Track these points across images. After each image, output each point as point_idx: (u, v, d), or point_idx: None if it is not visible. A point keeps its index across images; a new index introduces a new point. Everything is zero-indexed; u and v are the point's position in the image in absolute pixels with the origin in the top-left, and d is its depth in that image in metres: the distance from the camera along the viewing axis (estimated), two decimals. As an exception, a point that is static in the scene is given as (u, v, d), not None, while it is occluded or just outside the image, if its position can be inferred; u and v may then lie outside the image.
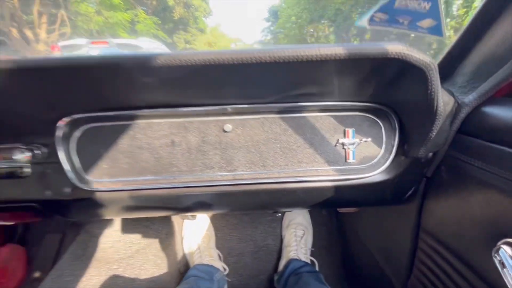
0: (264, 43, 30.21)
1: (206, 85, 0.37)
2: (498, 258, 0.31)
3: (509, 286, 0.28)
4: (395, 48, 0.29)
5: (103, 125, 0.42)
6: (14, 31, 13.82)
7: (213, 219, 1.00)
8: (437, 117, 0.34)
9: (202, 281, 0.73)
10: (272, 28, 26.52)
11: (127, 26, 16.36)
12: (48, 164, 0.45)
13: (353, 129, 0.44)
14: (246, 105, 0.42)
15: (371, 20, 0.45)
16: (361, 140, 0.45)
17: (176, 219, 0.99)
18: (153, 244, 0.90)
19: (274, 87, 0.38)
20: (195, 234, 0.92)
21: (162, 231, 0.94)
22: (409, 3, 0.41)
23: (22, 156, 0.43)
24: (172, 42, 21.22)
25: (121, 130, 0.42)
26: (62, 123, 0.41)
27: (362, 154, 0.45)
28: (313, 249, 0.93)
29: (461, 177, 0.39)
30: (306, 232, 0.93)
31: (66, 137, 0.42)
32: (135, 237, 0.90)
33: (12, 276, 0.84)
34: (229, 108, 0.42)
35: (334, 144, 0.45)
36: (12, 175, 0.46)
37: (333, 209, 0.90)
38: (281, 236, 0.98)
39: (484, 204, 0.35)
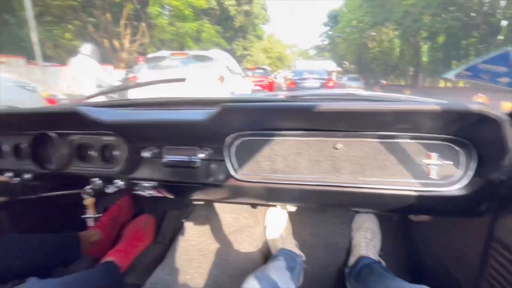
0: (320, 48, 29.78)
1: (329, 120, 0.57)
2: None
3: None
4: (477, 106, 0.43)
5: (254, 139, 0.65)
6: (106, 41, 16.50)
7: (290, 215, 1.19)
8: (508, 152, 0.46)
9: (289, 260, 0.92)
10: (330, 32, 25.95)
11: (193, 35, 18.10)
12: (212, 160, 0.70)
13: (437, 154, 0.58)
14: (352, 132, 0.60)
15: (457, 75, 0.58)
16: (442, 163, 0.58)
17: (259, 210, 1.22)
18: (245, 227, 1.13)
19: (378, 124, 0.55)
20: (277, 225, 1.13)
21: (251, 219, 1.17)
22: (489, 67, 0.52)
23: (200, 155, 0.68)
24: (231, 49, 22.55)
25: (265, 143, 0.64)
26: (229, 136, 0.65)
27: (442, 173, 0.58)
28: (380, 252, 1.04)
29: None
30: (375, 236, 1.05)
31: (229, 145, 0.66)
32: (232, 221, 1.15)
33: (148, 237, 1.16)
34: (339, 133, 0.61)
35: (419, 163, 0.59)
36: (189, 166, 0.72)
37: (406, 216, 1.00)
38: (350, 236, 1.11)
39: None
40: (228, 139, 0.65)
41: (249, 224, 1.15)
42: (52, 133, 0.74)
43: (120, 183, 0.77)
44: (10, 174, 0.83)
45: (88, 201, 0.83)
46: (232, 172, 0.67)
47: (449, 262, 0.79)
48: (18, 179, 0.82)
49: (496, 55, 0.53)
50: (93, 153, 0.75)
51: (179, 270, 0.93)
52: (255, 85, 7.94)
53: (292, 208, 0.88)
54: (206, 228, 1.13)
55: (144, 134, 0.71)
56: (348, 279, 0.96)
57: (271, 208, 1.19)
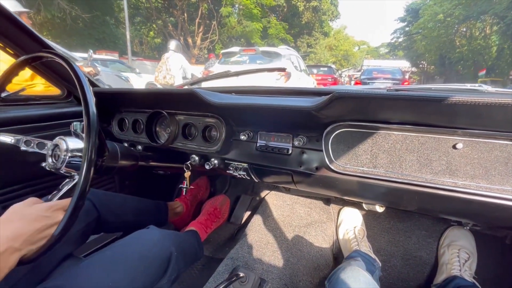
0: (393, 46, 27.03)
1: (447, 115, 0.51)
2: None
3: None
4: None
5: (356, 130, 0.63)
6: (181, 39, 18.21)
7: (365, 217, 1.13)
8: None
9: (368, 264, 0.88)
10: (407, 28, 23.28)
11: (260, 33, 18.55)
12: (305, 149, 0.71)
13: None
14: (477, 130, 0.52)
15: None
16: None
17: (332, 208, 1.19)
18: (318, 222, 1.12)
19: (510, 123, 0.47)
20: (351, 224, 1.08)
21: (323, 215, 1.15)
22: None
23: (295, 143, 0.70)
24: (295, 46, 22.31)
25: (367, 135, 0.62)
26: (330, 126, 0.65)
27: None
28: (475, 276, 0.90)
29: None
30: (472, 257, 0.91)
31: (328, 134, 0.66)
32: (304, 214, 1.15)
33: (223, 216, 1.26)
34: (459, 131, 0.54)
35: None
36: (281, 152, 0.74)
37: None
38: (437, 252, 0.99)
39: None
40: (328, 128, 0.65)
41: (321, 219, 1.14)
42: (164, 112, 0.86)
43: (215, 161, 0.84)
44: (127, 145, 0.99)
45: (187, 174, 0.94)
46: (327, 162, 0.66)
47: None
48: (132, 149, 0.98)
49: None
50: (196, 132, 0.84)
51: (257, 251, 0.98)
52: (318, 83, 7.69)
53: (380, 209, 0.83)
54: (278, 217, 1.15)
55: (243, 119, 0.76)
56: (434, 297, 0.86)
57: (345, 207, 1.15)
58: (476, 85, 0.67)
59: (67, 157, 0.60)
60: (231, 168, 0.83)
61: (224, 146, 0.80)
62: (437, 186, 0.57)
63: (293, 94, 0.83)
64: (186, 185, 0.96)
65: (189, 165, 0.90)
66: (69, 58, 0.53)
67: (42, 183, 0.90)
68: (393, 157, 0.60)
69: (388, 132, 0.60)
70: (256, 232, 1.07)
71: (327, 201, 1.19)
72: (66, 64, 0.52)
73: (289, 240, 1.04)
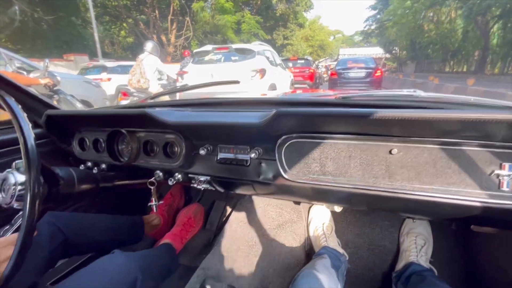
0: (367, 34, 27.66)
1: (384, 125, 0.55)
2: None
3: None
4: None
5: (305, 141, 0.66)
6: (154, 37, 17.63)
7: (333, 213, 1.19)
8: None
9: (334, 259, 0.93)
10: (378, 16, 23.87)
11: (234, 27, 18.34)
12: (262, 160, 0.74)
13: (510, 164, 0.52)
14: (411, 138, 0.57)
15: None
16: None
17: (303, 206, 1.23)
18: (288, 222, 1.17)
19: (441, 132, 0.52)
20: (320, 221, 1.13)
21: (294, 214, 1.20)
22: None
23: (252, 155, 0.72)
24: (271, 39, 22.25)
25: (316, 145, 0.65)
26: (281, 138, 0.67)
27: (515, 184, 0.53)
28: (432, 260, 0.98)
29: None
30: (427, 243, 0.99)
31: (280, 146, 0.69)
32: (276, 215, 1.19)
33: (198, 224, 1.27)
34: (395, 138, 0.59)
35: (488, 173, 0.54)
36: (240, 164, 0.76)
37: (465, 224, 0.93)
38: (398, 240, 1.07)
39: None
40: (280, 140, 0.68)
41: (292, 219, 1.18)
42: (123, 130, 0.85)
43: (179, 176, 0.85)
44: (90, 164, 0.97)
45: (153, 190, 0.94)
46: (281, 172, 0.70)
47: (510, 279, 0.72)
48: (96, 169, 0.96)
49: None
50: (157, 148, 0.85)
51: (228, 258, 1.01)
52: (296, 76, 7.76)
53: (338, 208, 0.88)
54: (251, 220, 1.19)
55: (201, 134, 0.77)
56: (395, 284, 0.93)
57: (314, 205, 1.19)
58: (412, 90, 0.72)
59: (17, 191, 0.59)
60: (194, 182, 0.85)
61: (185, 161, 0.81)
62: (379, 189, 0.62)
63: (248, 105, 0.85)
64: (154, 201, 0.96)
65: (154, 181, 0.90)
66: (4, 95, 0.51)
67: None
68: (339, 164, 0.64)
69: (333, 141, 0.64)
70: (229, 238, 1.10)
71: (297, 201, 1.24)
72: (3, 102, 0.51)
73: (261, 243, 1.07)
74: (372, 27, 25.82)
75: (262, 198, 1.28)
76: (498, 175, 0.53)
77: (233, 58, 4.44)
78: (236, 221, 1.19)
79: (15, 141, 0.90)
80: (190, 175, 0.85)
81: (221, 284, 0.86)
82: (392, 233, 1.10)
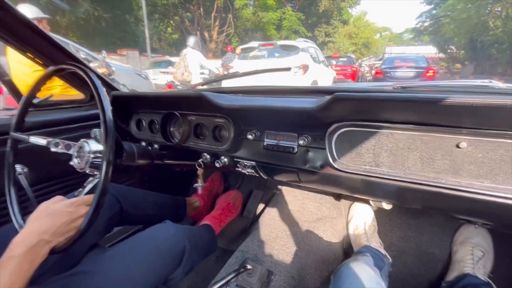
0: (418, 31, 25.46)
1: (452, 114, 0.50)
2: None
3: None
4: None
5: (359, 129, 0.64)
6: (198, 34, 18.39)
7: (376, 213, 1.13)
8: None
9: (377, 259, 0.89)
10: (434, 11, 21.79)
11: (275, 24, 18.27)
12: (310, 148, 0.73)
13: None
14: (485, 130, 0.52)
15: None
16: None
17: (343, 203, 1.20)
18: (327, 217, 1.14)
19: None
20: (362, 220, 1.09)
21: (333, 210, 1.16)
22: None
23: (300, 142, 0.72)
24: (312, 36, 21.71)
25: (370, 134, 0.63)
26: (333, 125, 0.66)
27: None
28: (492, 275, 0.88)
29: None
30: (486, 256, 0.89)
31: (331, 134, 0.67)
32: (314, 209, 1.18)
33: (236, 210, 1.31)
34: (464, 130, 0.53)
35: None
36: (287, 151, 0.76)
37: None
38: (451, 249, 0.98)
39: None
40: (331, 128, 0.66)
41: (331, 215, 1.15)
42: (177, 113, 0.91)
43: (225, 159, 0.89)
44: (144, 144, 1.06)
45: (200, 171, 0.99)
46: (331, 161, 0.68)
47: None
48: (150, 148, 1.05)
49: None
50: (207, 132, 0.89)
51: (266, 244, 1.02)
52: (337, 74, 7.49)
53: (387, 206, 0.83)
54: (289, 212, 1.19)
55: (250, 119, 0.79)
56: (444, 294, 0.86)
57: (356, 203, 1.15)
58: (486, 81, 0.65)
59: (90, 158, 0.67)
60: (239, 166, 0.87)
61: (232, 145, 0.84)
62: (440, 185, 0.57)
63: (299, 94, 0.85)
64: (200, 183, 1.01)
65: (201, 162, 0.95)
66: (89, 70, 0.58)
67: (68, 180, 0.99)
68: (396, 156, 0.61)
69: (391, 131, 0.61)
70: (267, 226, 1.11)
71: (338, 196, 1.20)
72: (85, 75, 0.58)
73: (299, 235, 1.07)
74: (426, 24, 23.68)
75: (301, 191, 1.27)
76: None
77: (276, 54, 4.56)
78: (274, 211, 1.19)
79: (81, 119, 1.02)
80: (235, 159, 0.88)
81: (260, 267, 0.88)
82: (442, 240, 1.01)
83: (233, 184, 1.46)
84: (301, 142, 0.72)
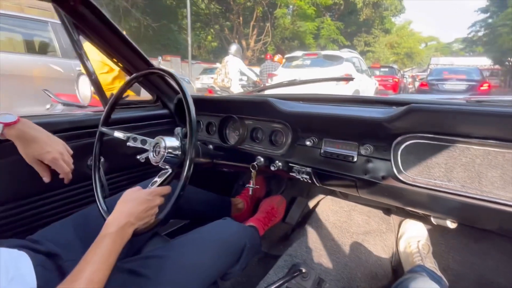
0: (471, 41, 23.47)
1: None
2: None
3: None
4: None
5: (428, 142, 0.62)
6: (236, 42, 19.03)
7: (430, 233, 1.07)
8: None
9: (433, 281, 0.84)
10: (490, 20, 19.97)
11: (313, 33, 18.20)
12: (371, 158, 0.73)
13: None
14: None
15: None
16: None
17: (393, 219, 1.15)
18: (376, 231, 1.10)
19: None
20: (415, 238, 1.03)
21: (383, 224, 1.12)
22: None
23: (362, 151, 0.72)
24: (351, 45, 21.18)
25: (442, 148, 0.61)
26: (401, 137, 0.65)
27: None
28: None
29: None
30: None
31: (398, 145, 0.66)
32: (362, 222, 1.15)
33: (279, 215, 1.32)
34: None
35: None
36: (346, 159, 0.77)
37: None
38: (521, 281, 0.89)
39: None
40: (398, 139, 0.66)
41: (380, 229, 1.11)
42: (235, 116, 0.97)
43: (279, 163, 0.91)
44: (199, 143, 1.13)
45: (254, 173, 1.03)
46: (396, 172, 0.67)
47: None
48: (205, 146, 1.11)
49: None
50: (263, 136, 0.92)
51: (315, 251, 1.02)
52: (378, 84, 7.21)
53: (452, 225, 0.79)
54: (335, 222, 1.17)
55: (308, 126, 0.81)
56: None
57: (408, 219, 1.10)
58: None
59: (165, 154, 0.74)
60: (294, 171, 0.89)
61: (289, 150, 0.86)
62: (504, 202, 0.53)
63: (358, 103, 0.85)
64: (252, 184, 1.05)
65: (255, 165, 0.99)
66: (175, 75, 0.66)
67: (136, 172, 1.09)
68: (472, 172, 0.58)
69: (467, 146, 0.58)
70: (313, 234, 1.10)
71: (388, 211, 1.16)
72: (173, 80, 0.65)
73: (347, 246, 1.05)
74: (480, 34, 21.76)
75: (347, 202, 1.25)
76: None
77: (320, 64, 4.62)
78: (319, 220, 1.19)
79: (149, 117, 1.12)
80: (290, 164, 0.90)
81: (312, 271, 0.88)
82: (506, 267, 0.92)
83: (275, 190, 1.48)
84: (362, 151, 0.72)
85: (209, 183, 1.46)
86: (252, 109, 0.92)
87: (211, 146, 1.12)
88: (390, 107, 0.66)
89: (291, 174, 0.91)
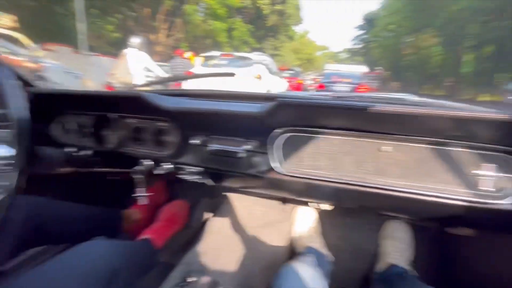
0: (353, 52, 28.90)
1: (378, 122, 0.57)
2: None
3: None
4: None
5: (301, 135, 0.67)
6: (143, 35, 17.31)
7: (319, 215, 1.20)
8: None
9: (318, 259, 0.93)
10: (365, 36, 25.11)
11: (225, 33, 18.48)
12: (256, 152, 0.74)
13: (489, 164, 0.56)
14: (402, 136, 0.60)
15: None
16: (497, 174, 0.56)
17: (289, 208, 1.24)
18: (274, 222, 1.16)
19: (429, 130, 0.55)
20: (306, 223, 1.14)
21: (280, 214, 1.19)
22: None
23: (246, 147, 0.72)
24: (261, 48, 22.62)
25: (311, 139, 0.66)
26: (277, 130, 0.68)
27: (495, 184, 0.57)
28: (413, 264, 1.01)
29: None
30: (407, 247, 1.03)
31: (275, 139, 0.69)
32: (261, 214, 1.18)
33: (181, 221, 1.23)
34: (387, 135, 0.61)
35: (470, 173, 0.57)
36: (233, 156, 0.76)
37: (444, 229, 0.97)
38: (379, 244, 1.09)
39: None
40: (275, 133, 0.68)
41: (278, 219, 1.18)
42: (112, 115, 0.82)
43: (168, 166, 0.83)
44: (72, 149, 0.92)
45: (139, 180, 0.90)
46: (274, 165, 0.70)
47: (490, 282, 0.76)
48: (79, 153, 0.91)
49: None
50: (147, 136, 0.82)
51: (211, 254, 0.98)
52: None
53: (326, 206, 0.89)
54: (236, 219, 1.17)
55: (195, 123, 0.76)
56: (375, 285, 0.95)
57: (301, 206, 1.20)
58: (404, 94, 0.76)
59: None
60: (184, 172, 0.83)
61: (176, 150, 0.79)
62: (369, 185, 0.63)
63: (246, 99, 0.85)
64: (140, 192, 0.92)
65: (140, 170, 0.87)
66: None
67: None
68: (332, 159, 0.66)
69: (327, 136, 0.65)
70: (213, 236, 1.07)
71: (284, 201, 1.24)
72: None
73: (245, 242, 1.06)
74: (359, 46, 27.04)
75: (249, 197, 1.27)
76: (479, 176, 0.57)
77: (236, 64, 4.86)
78: (221, 219, 1.16)
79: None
80: (180, 166, 0.83)
81: (203, 277, 0.84)
82: (373, 236, 1.12)
83: (178, 194, 1.37)
84: (246, 147, 0.72)
85: (95, 196, 1.22)
86: (129, 106, 0.80)
87: (87, 152, 0.92)
88: (269, 102, 0.68)
89: (181, 176, 0.84)
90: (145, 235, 1.06)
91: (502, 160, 0.56)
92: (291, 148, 0.69)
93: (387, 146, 0.61)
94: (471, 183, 0.58)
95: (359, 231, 1.15)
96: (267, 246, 1.07)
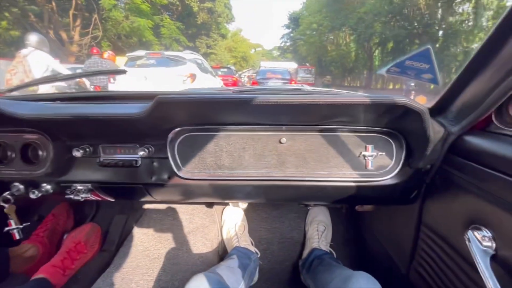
0: (283, 49, 30.52)
1: (273, 113, 0.56)
2: (467, 237, 0.46)
3: (471, 251, 0.44)
4: (401, 100, 0.46)
5: (198, 134, 0.62)
6: (51, 33, 14.86)
7: (246, 212, 1.19)
8: (429, 141, 0.50)
9: (243, 258, 0.91)
10: (292, 34, 26.78)
11: (152, 30, 17.19)
12: (154, 158, 0.66)
13: (372, 145, 0.61)
14: (296, 126, 0.60)
15: (387, 71, 0.63)
16: (377, 154, 0.61)
17: (216, 210, 1.19)
18: (200, 228, 1.09)
19: (319, 116, 0.56)
20: (233, 223, 1.11)
21: (206, 219, 1.13)
22: (414, 64, 0.58)
23: (141, 153, 0.63)
24: (194, 46, 21.93)
25: (210, 138, 0.62)
26: (172, 132, 0.61)
27: (378, 164, 0.62)
28: (332, 243, 1.09)
29: (449, 184, 0.55)
30: (327, 229, 1.09)
31: (172, 141, 0.62)
32: (186, 222, 1.10)
33: (91, 248, 1.06)
34: (284, 127, 0.61)
35: (357, 155, 0.62)
36: (129, 165, 0.66)
37: (353, 207, 1.06)
38: (304, 230, 1.14)
39: (463, 203, 0.51)
40: (171, 135, 0.62)
41: (204, 224, 1.12)
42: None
43: (47, 187, 0.68)
44: None
45: (8, 209, 0.71)
46: (175, 170, 0.63)
47: (389, 247, 0.86)
48: None
49: (419, 52, 0.60)
50: (12, 153, 0.65)
51: (123, 279, 0.86)
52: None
53: (243, 205, 0.87)
54: (158, 232, 1.06)
55: (75, 132, 0.64)
56: (301, 271, 0.98)
57: (227, 207, 1.17)
58: (300, 85, 0.78)
59: None
60: (69, 192, 0.69)
61: (55, 166, 0.65)
62: (272, 178, 0.63)
63: (137, 99, 0.76)
64: (14, 224, 0.74)
65: (9, 196, 0.69)
66: None
67: None
68: (234, 156, 0.63)
69: (227, 133, 0.62)
70: (128, 257, 0.95)
71: (210, 204, 1.19)
72: None
73: (165, 255, 0.97)
74: (287, 44, 28.71)
75: (172, 206, 1.17)
76: (364, 156, 0.61)
77: (165, 63, 4.51)
78: (139, 235, 1.04)
79: None
80: (63, 184, 0.69)
81: None
82: (299, 224, 1.17)
83: (88, 214, 1.18)
84: (142, 153, 0.63)
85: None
86: None
87: None
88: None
89: (67, 196, 0.70)
90: (40, 273, 0.87)
91: (380, 140, 0.61)
92: (191, 149, 0.63)
93: (285, 138, 0.61)
94: (358, 164, 0.62)
95: (285, 221, 1.18)
96: (192, 254, 1.00)
